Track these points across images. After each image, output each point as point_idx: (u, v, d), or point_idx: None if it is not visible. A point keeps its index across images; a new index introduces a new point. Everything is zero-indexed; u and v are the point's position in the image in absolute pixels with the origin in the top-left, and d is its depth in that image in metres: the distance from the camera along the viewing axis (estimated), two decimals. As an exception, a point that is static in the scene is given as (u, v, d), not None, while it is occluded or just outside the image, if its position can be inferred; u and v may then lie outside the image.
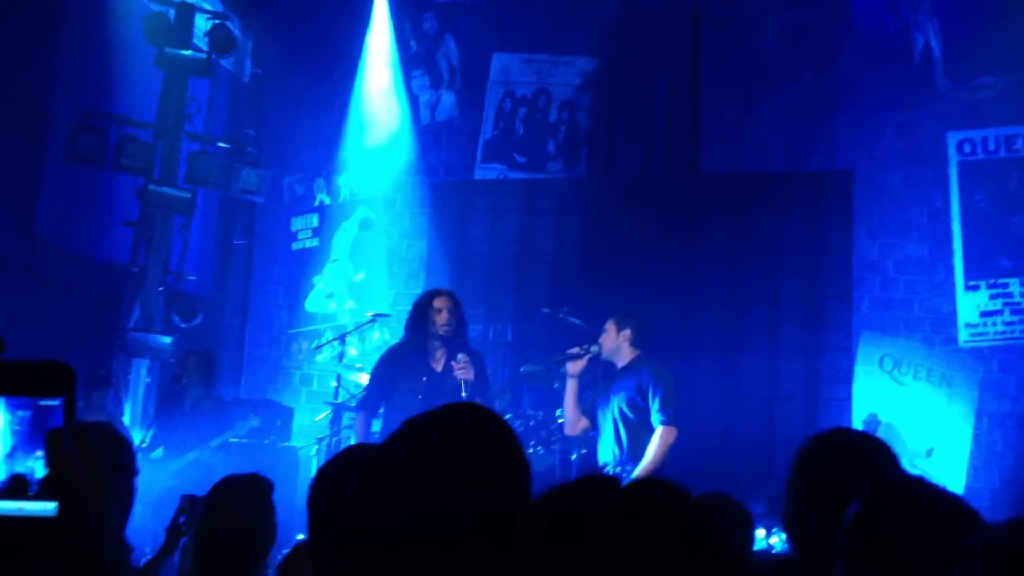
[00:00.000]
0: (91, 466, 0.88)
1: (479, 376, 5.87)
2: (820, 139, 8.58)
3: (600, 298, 7.95)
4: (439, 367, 5.90)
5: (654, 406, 6.00)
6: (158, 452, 7.13)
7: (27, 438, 0.89)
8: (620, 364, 6.28)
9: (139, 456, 6.79)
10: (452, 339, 5.86)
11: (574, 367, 6.36)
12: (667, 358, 6.39)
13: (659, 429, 5.94)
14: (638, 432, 6.02)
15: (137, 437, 7.23)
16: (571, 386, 6.40)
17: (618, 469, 6.00)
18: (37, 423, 0.89)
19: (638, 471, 5.84)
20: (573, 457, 6.61)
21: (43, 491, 0.88)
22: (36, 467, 0.89)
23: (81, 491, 0.87)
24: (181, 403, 7.36)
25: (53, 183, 8.27)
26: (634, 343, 6.27)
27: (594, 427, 6.36)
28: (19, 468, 0.89)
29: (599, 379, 6.47)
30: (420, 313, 5.91)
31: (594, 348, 6.34)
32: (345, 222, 9.96)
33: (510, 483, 1.48)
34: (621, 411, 6.09)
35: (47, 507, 0.88)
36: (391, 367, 5.98)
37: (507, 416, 6.91)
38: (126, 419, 7.78)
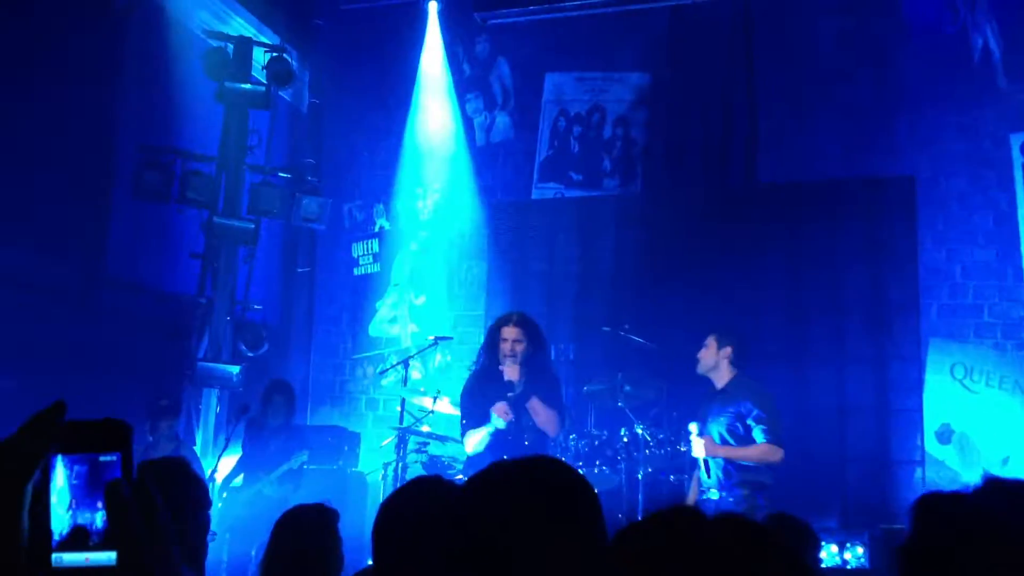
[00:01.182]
0: (150, 515, 0.93)
1: (550, 394, 5.81)
2: (879, 144, 8.45)
3: (661, 314, 7.90)
4: (518, 390, 5.86)
5: (758, 428, 5.94)
6: (238, 481, 7.25)
7: (87, 492, 0.94)
8: (719, 384, 6.19)
9: (220, 485, 6.96)
10: (524, 364, 5.80)
11: None
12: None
13: (764, 443, 5.91)
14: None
15: (208, 465, 7.37)
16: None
17: (723, 494, 5.93)
18: (95, 477, 0.94)
19: (722, 447, 5.83)
20: (639, 476, 6.57)
21: (105, 541, 0.93)
22: (97, 519, 0.94)
23: (140, 539, 0.91)
24: (262, 432, 7.49)
25: (121, 218, 8.49)
26: (734, 362, 6.21)
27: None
28: (81, 520, 0.93)
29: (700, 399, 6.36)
30: (490, 341, 5.90)
31: None
32: (405, 246, 10.06)
33: (584, 536, 1.48)
34: (721, 436, 6.02)
35: (111, 556, 0.93)
36: (477, 391, 5.98)
37: (571, 436, 6.90)
38: (197, 448, 7.92)
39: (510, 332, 5.76)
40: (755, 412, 5.97)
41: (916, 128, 8.36)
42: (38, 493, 0.92)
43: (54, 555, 0.92)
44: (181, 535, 2.54)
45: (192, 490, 2.65)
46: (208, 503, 2.78)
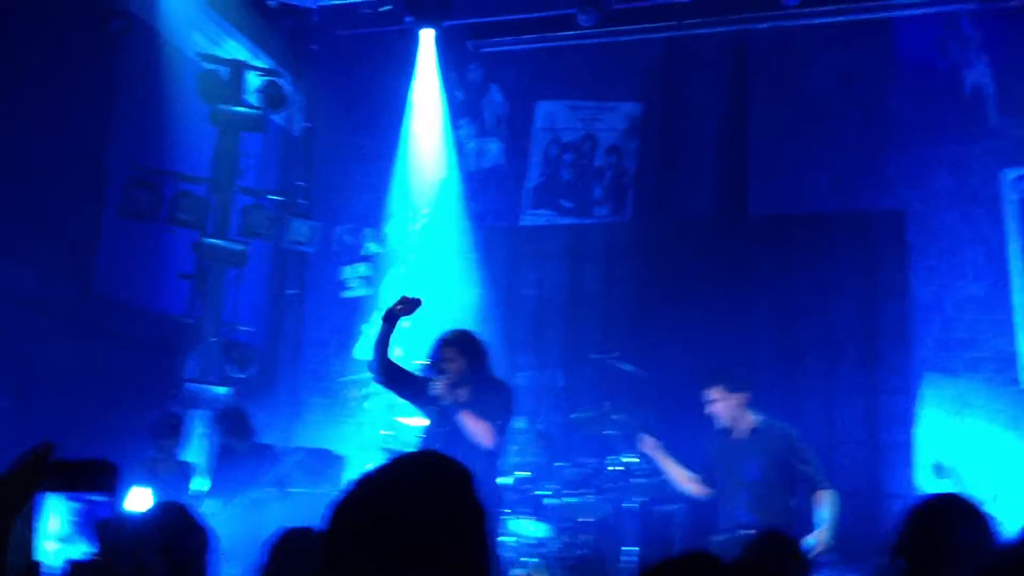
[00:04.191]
0: (139, 554, 0.93)
1: (492, 405, 5.79)
2: (871, 179, 8.49)
3: (650, 342, 7.89)
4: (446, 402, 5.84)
5: (812, 473, 5.90)
6: (214, 505, 7.18)
7: (81, 529, 0.95)
8: (744, 431, 6.06)
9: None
10: (465, 381, 5.82)
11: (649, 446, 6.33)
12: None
13: (827, 494, 5.87)
14: (771, 498, 5.90)
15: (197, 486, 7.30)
16: (668, 465, 6.33)
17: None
18: (86, 516, 0.95)
19: (820, 533, 5.74)
20: (628, 506, 6.51)
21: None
22: (86, 554, 0.94)
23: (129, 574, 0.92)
24: (231, 456, 7.45)
25: (111, 237, 8.45)
26: (751, 406, 6.13)
27: (715, 488, 6.20)
28: (75, 555, 0.95)
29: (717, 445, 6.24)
30: (432, 364, 5.99)
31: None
32: (393, 270, 10.04)
33: (461, 526, 1.50)
34: (758, 483, 5.91)
35: None
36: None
37: (559, 464, 6.87)
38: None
39: (444, 352, 5.86)
40: (800, 455, 5.89)
41: (907, 163, 8.40)
42: (22, 527, 0.92)
43: None
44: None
45: (190, 539, 2.59)
46: (208, 551, 2.73)
